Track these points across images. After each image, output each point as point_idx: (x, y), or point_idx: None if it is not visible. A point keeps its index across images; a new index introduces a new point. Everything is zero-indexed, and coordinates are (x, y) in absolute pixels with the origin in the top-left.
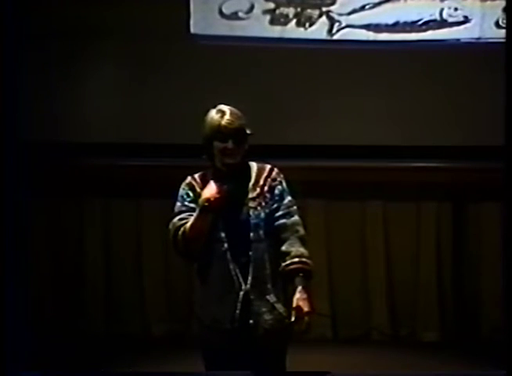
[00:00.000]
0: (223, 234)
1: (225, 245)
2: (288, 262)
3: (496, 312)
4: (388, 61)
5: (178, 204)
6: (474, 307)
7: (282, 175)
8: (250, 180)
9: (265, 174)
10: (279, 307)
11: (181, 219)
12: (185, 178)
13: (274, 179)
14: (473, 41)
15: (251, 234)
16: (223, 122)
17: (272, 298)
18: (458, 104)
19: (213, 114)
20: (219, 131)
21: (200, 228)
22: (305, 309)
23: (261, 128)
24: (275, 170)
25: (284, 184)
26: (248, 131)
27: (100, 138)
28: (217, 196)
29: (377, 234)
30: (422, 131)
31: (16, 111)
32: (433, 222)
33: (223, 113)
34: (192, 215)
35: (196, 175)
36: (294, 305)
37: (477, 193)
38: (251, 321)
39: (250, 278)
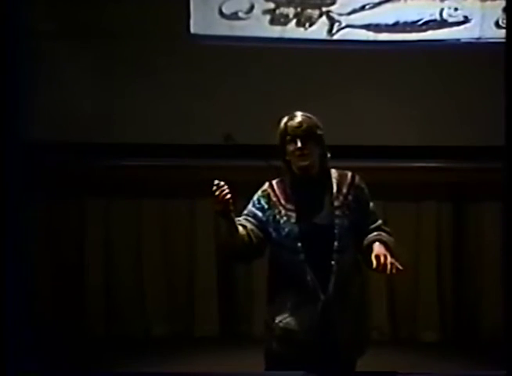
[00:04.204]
0: (303, 243)
1: (304, 255)
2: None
3: (496, 313)
4: (388, 61)
5: (249, 206)
6: (474, 307)
7: (363, 181)
8: (330, 187)
9: (348, 181)
10: (359, 320)
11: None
12: (263, 183)
13: (357, 187)
14: (473, 41)
15: (335, 243)
16: (289, 124)
17: (352, 310)
18: (458, 104)
19: (283, 119)
20: (287, 134)
21: (223, 232)
22: (382, 252)
23: (260, 128)
24: (358, 177)
25: (366, 190)
26: (319, 132)
27: (100, 138)
28: (218, 201)
29: None
30: (422, 132)
31: (17, 111)
32: (433, 222)
33: (292, 116)
34: (246, 220)
35: (274, 182)
36: (374, 253)
37: (477, 193)
38: (330, 333)
39: (330, 289)
